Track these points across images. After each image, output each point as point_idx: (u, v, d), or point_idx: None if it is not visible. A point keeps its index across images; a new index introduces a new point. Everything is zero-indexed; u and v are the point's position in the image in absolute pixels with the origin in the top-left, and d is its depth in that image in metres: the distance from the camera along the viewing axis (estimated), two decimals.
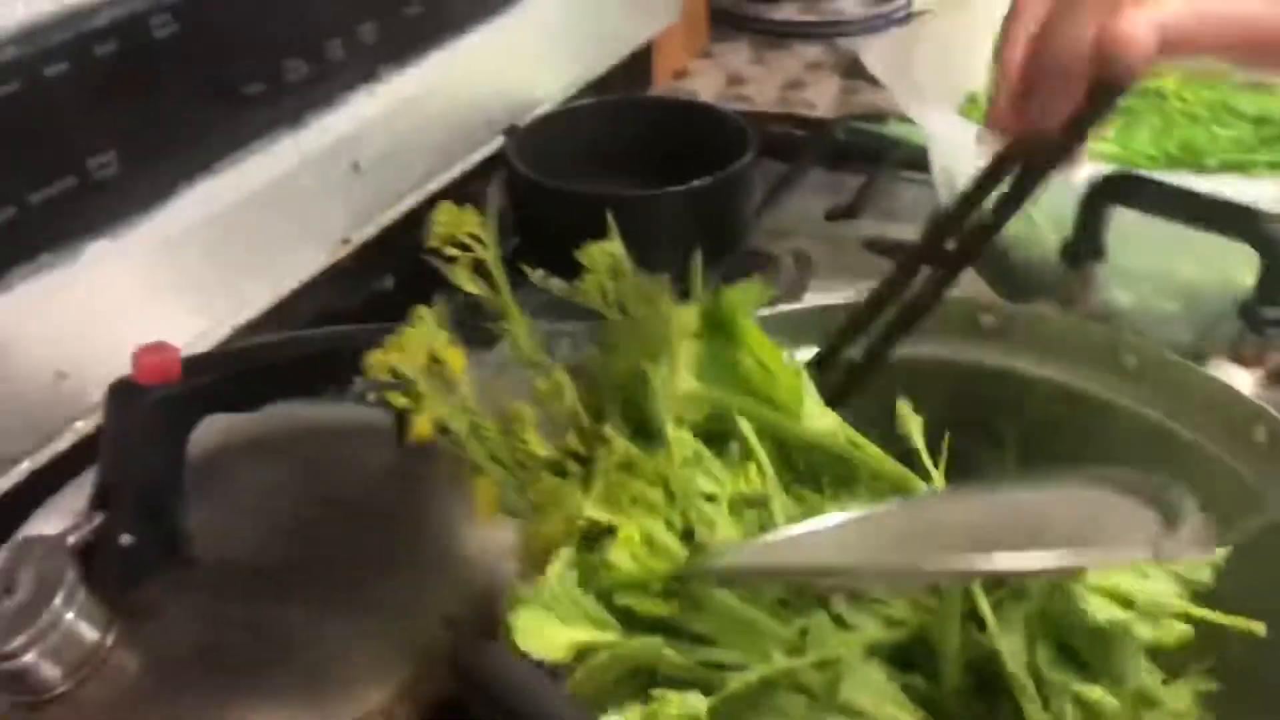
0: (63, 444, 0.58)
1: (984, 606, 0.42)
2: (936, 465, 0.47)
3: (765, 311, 0.53)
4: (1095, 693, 0.42)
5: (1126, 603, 0.43)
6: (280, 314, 0.71)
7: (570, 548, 0.40)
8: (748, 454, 0.46)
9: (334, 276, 0.76)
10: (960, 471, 0.52)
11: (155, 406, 0.45)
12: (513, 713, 0.32)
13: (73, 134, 0.57)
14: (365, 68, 0.74)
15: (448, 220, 0.45)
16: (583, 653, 0.37)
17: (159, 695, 0.44)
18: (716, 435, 0.47)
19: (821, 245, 0.94)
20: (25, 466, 0.56)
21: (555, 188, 0.81)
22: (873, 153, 1.03)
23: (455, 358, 0.42)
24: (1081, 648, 0.43)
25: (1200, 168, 0.72)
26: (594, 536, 0.41)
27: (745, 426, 0.46)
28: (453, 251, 0.45)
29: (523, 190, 0.84)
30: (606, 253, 0.46)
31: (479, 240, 0.46)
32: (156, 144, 0.61)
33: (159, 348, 0.45)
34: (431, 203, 0.83)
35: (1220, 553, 0.43)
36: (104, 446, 0.46)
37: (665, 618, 0.40)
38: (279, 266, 0.69)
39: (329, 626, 0.47)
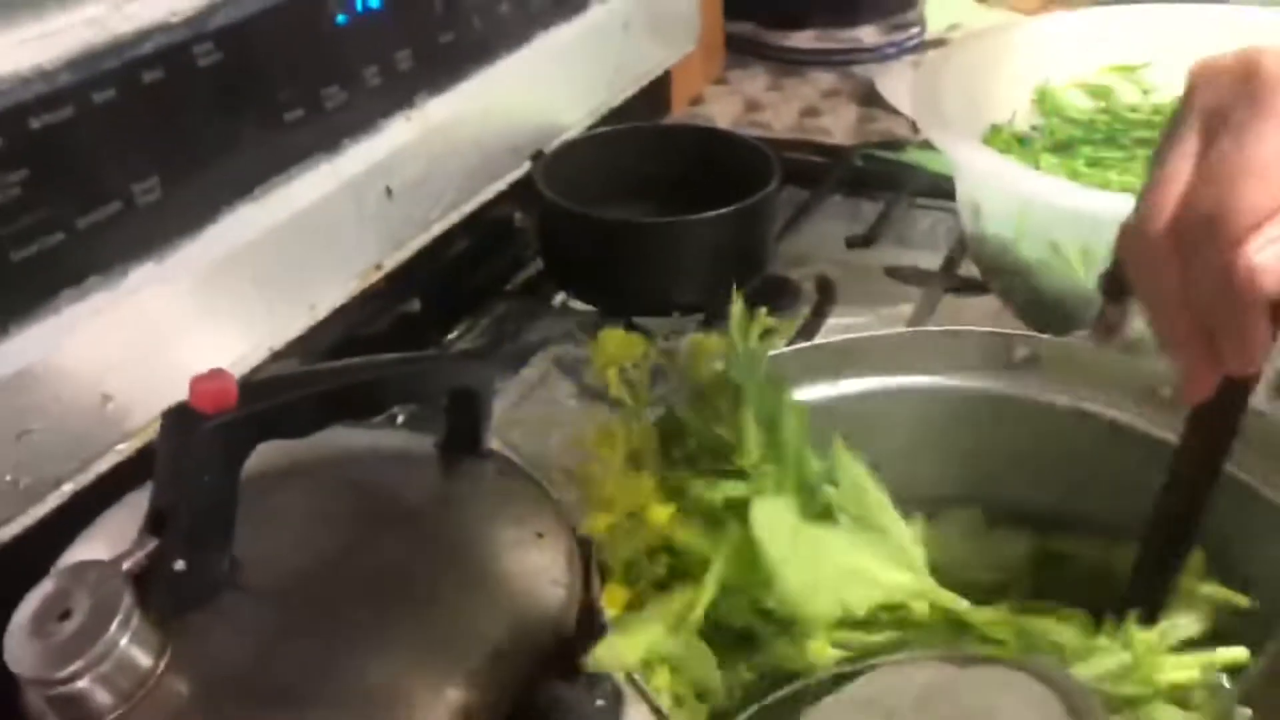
0: (105, 466, 0.58)
1: None
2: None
3: (810, 344, 0.53)
4: None
5: None
6: (311, 338, 0.72)
7: None
8: None
9: (362, 300, 0.76)
10: (998, 505, 0.53)
11: (211, 433, 0.45)
12: None
13: (119, 160, 0.58)
14: (401, 95, 0.75)
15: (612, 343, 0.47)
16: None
17: None
18: None
19: (841, 271, 0.95)
20: (68, 488, 0.57)
21: (582, 213, 0.82)
22: (890, 180, 1.04)
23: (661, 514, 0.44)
24: None
25: None
26: None
27: None
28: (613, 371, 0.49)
29: (549, 215, 0.85)
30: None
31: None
32: (199, 169, 0.62)
33: (215, 375, 0.45)
34: (458, 228, 0.84)
35: None
36: (159, 472, 0.46)
37: None
38: (315, 291, 0.70)
39: (376, 655, 0.47)
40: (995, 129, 0.85)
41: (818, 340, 0.55)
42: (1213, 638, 0.47)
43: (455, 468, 0.56)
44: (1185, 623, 0.47)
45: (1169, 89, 0.85)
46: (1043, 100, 0.88)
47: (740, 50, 1.26)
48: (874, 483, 0.49)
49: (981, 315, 0.85)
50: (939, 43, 1.24)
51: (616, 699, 0.38)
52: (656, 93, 1.09)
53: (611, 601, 0.42)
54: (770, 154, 0.88)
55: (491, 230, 0.90)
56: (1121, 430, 0.52)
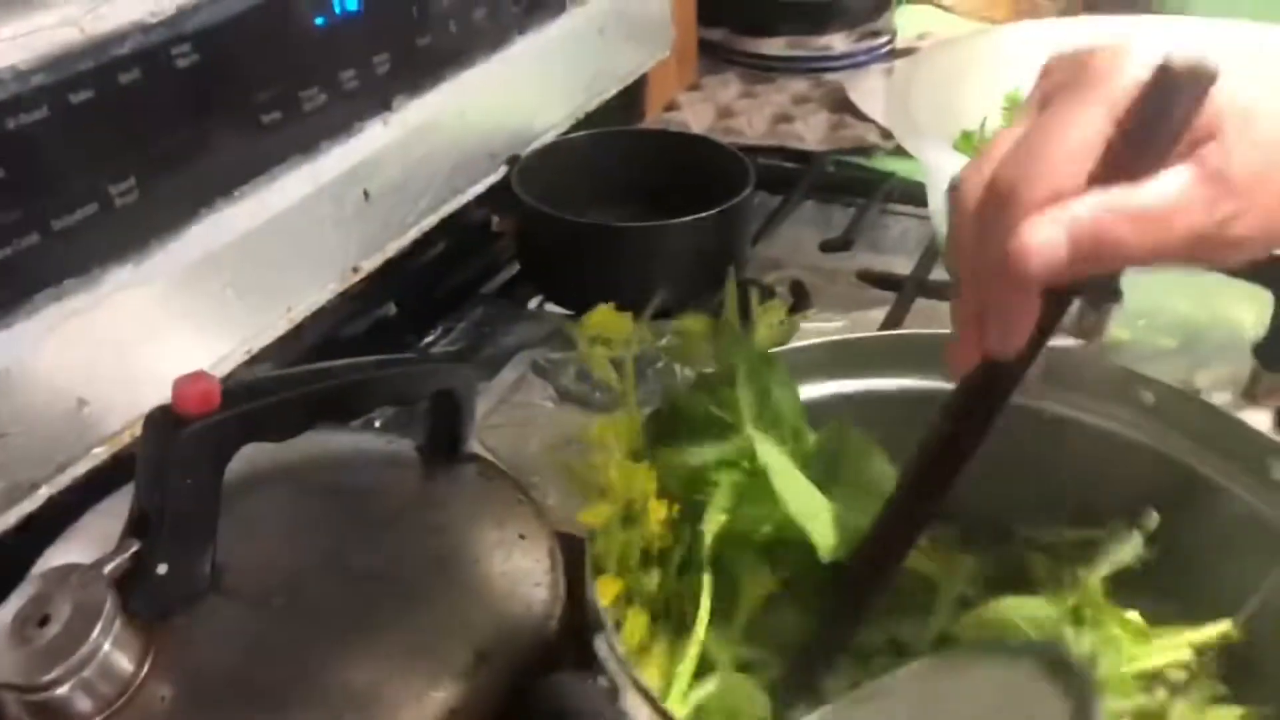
0: (81, 470, 0.58)
1: None
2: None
3: (792, 346, 0.54)
4: None
5: None
6: (289, 341, 0.71)
7: None
8: None
9: (339, 303, 0.76)
10: (984, 511, 0.54)
11: (193, 436, 0.45)
12: None
13: (95, 161, 0.58)
14: (378, 98, 0.74)
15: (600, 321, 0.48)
16: None
17: None
18: None
19: (814, 276, 0.96)
20: (44, 493, 0.56)
21: (559, 217, 0.82)
22: (862, 186, 1.05)
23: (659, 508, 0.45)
24: None
25: None
26: None
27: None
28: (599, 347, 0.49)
29: (526, 219, 0.85)
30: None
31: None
32: (176, 171, 0.62)
33: (198, 377, 0.45)
34: (434, 231, 0.84)
35: None
36: (141, 474, 0.46)
37: None
38: (293, 293, 0.69)
39: (360, 657, 0.47)
40: (966, 136, 0.86)
41: (796, 344, 0.55)
42: None
43: (437, 470, 0.56)
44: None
45: None
46: (1013, 108, 0.88)
47: (713, 56, 1.27)
48: (879, 453, 0.49)
49: None
50: (909, 51, 1.25)
51: (614, 687, 0.38)
52: (631, 98, 1.10)
53: (604, 594, 0.42)
54: (745, 159, 0.88)
55: (468, 234, 0.89)
56: (1102, 434, 0.52)
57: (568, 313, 0.87)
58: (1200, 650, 0.46)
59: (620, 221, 0.88)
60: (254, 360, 0.68)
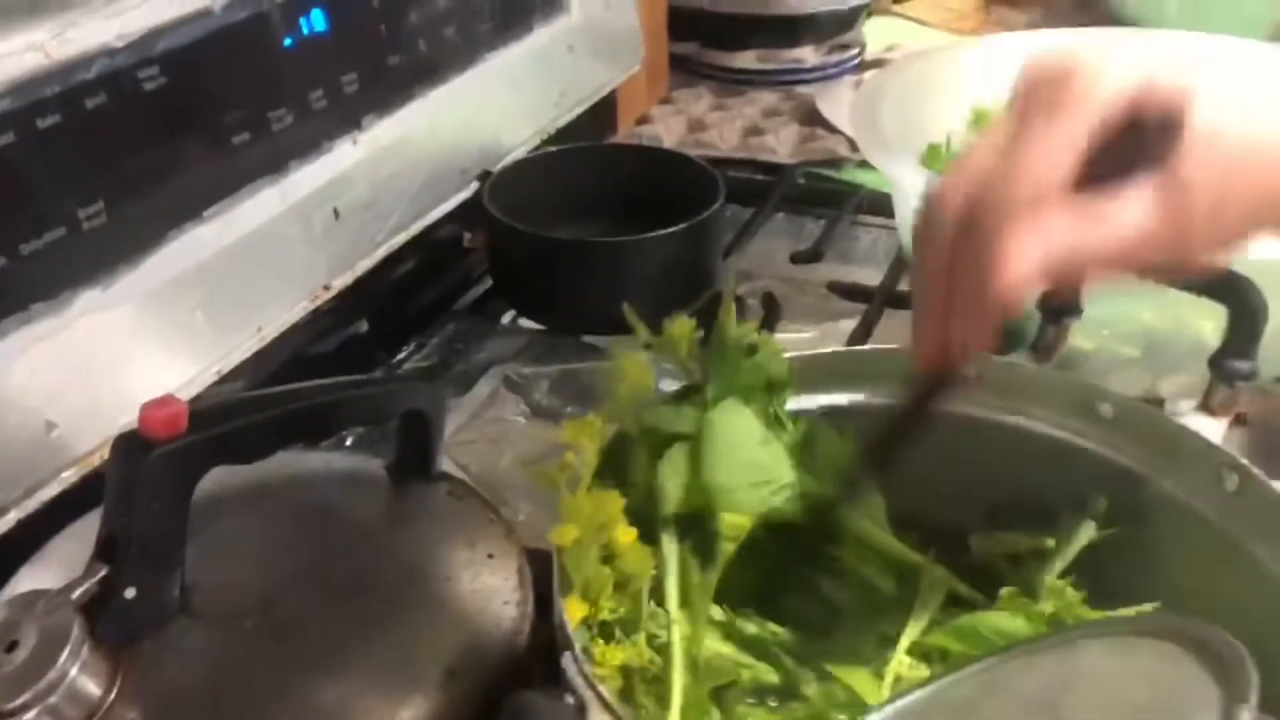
0: (50, 494, 0.58)
1: None
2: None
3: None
4: None
5: None
6: (259, 360, 0.71)
7: None
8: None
9: (310, 321, 0.76)
10: (939, 525, 0.54)
11: (160, 460, 0.45)
12: None
13: (63, 185, 0.58)
14: (347, 117, 0.75)
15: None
16: None
17: None
18: None
19: (785, 287, 0.97)
20: (13, 516, 0.56)
21: (530, 233, 0.82)
22: (832, 198, 1.06)
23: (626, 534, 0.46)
24: None
25: None
26: None
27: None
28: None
29: (497, 235, 0.85)
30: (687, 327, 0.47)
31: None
32: (145, 194, 0.62)
33: (165, 401, 0.45)
34: (405, 248, 0.84)
35: None
36: (109, 499, 0.46)
37: None
38: (263, 313, 0.70)
39: (331, 677, 0.47)
40: (933, 149, 0.87)
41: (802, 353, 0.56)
42: None
43: (406, 490, 0.56)
44: None
45: None
46: (978, 121, 0.89)
47: (684, 70, 1.28)
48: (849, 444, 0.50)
49: None
50: (878, 63, 1.26)
51: (581, 706, 0.38)
52: (602, 113, 1.10)
53: (572, 615, 0.43)
54: (715, 173, 0.89)
55: (439, 250, 0.90)
56: (1057, 446, 0.53)
57: (540, 328, 0.88)
58: None
59: (592, 236, 0.88)
60: (224, 380, 0.68)
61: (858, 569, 0.50)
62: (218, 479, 0.52)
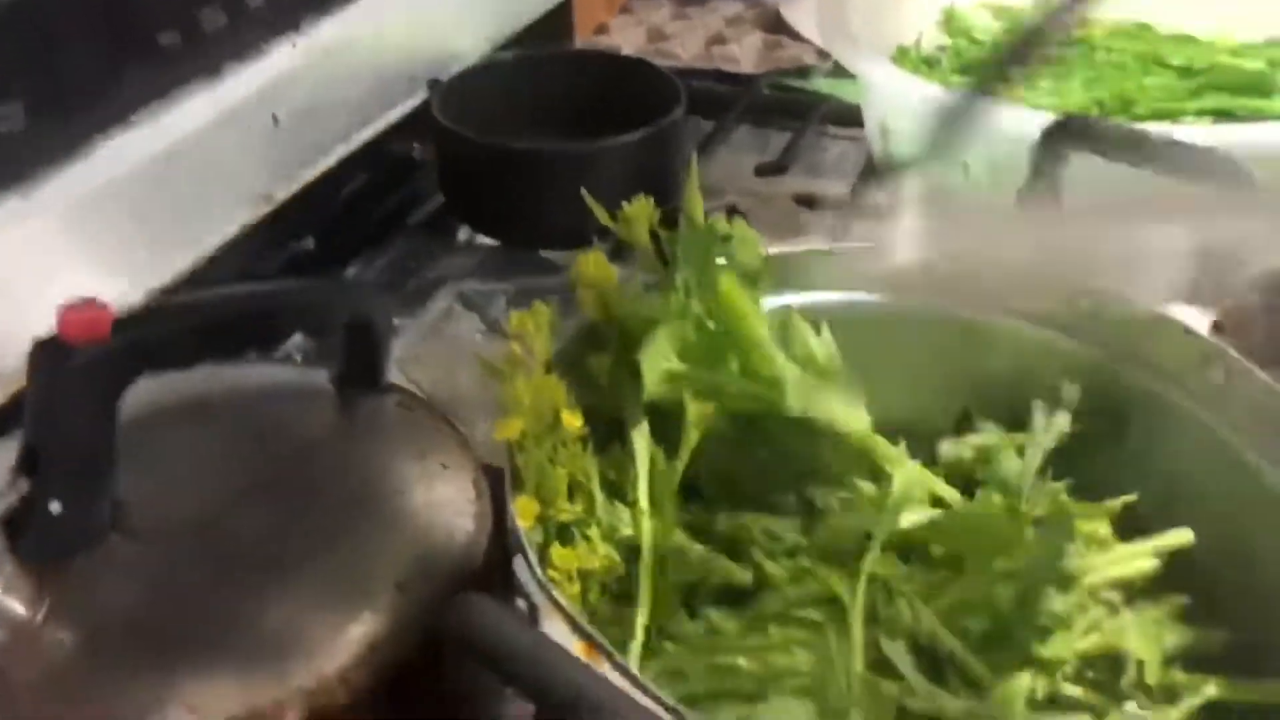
0: None
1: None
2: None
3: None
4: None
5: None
6: (198, 275, 0.68)
7: None
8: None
9: (253, 236, 0.73)
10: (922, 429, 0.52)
11: (84, 367, 0.42)
12: (501, 662, 0.31)
13: None
14: (285, 17, 0.71)
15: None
16: None
17: (96, 672, 0.42)
18: None
19: (751, 200, 0.94)
20: None
21: (483, 142, 0.79)
22: (798, 108, 1.02)
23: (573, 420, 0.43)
24: None
25: (1132, 116, 0.73)
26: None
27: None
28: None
29: (448, 145, 0.82)
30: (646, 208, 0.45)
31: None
32: (68, 96, 0.58)
33: (87, 304, 0.42)
34: (351, 159, 0.81)
35: None
36: (29, 409, 0.43)
37: None
38: (200, 224, 0.66)
39: (276, 595, 0.44)
40: (902, 51, 0.84)
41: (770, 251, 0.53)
42: None
43: (353, 402, 0.53)
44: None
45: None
46: (949, 22, 0.87)
47: None
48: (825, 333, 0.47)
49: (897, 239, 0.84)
50: None
51: (533, 610, 0.36)
52: (558, 21, 1.06)
53: (523, 514, 0.40)
54: (676, 80, 0.86)
55: (389, 163, 0.86)
56: (1040, 343, 0.51)
57: (496, 243, 0.84)
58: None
59: (550, 145, 0.85)
60: (166, 295, 0.65)
61: (833, 468, 0.47)
62: (154, 393, 0.49)
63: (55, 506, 0.42)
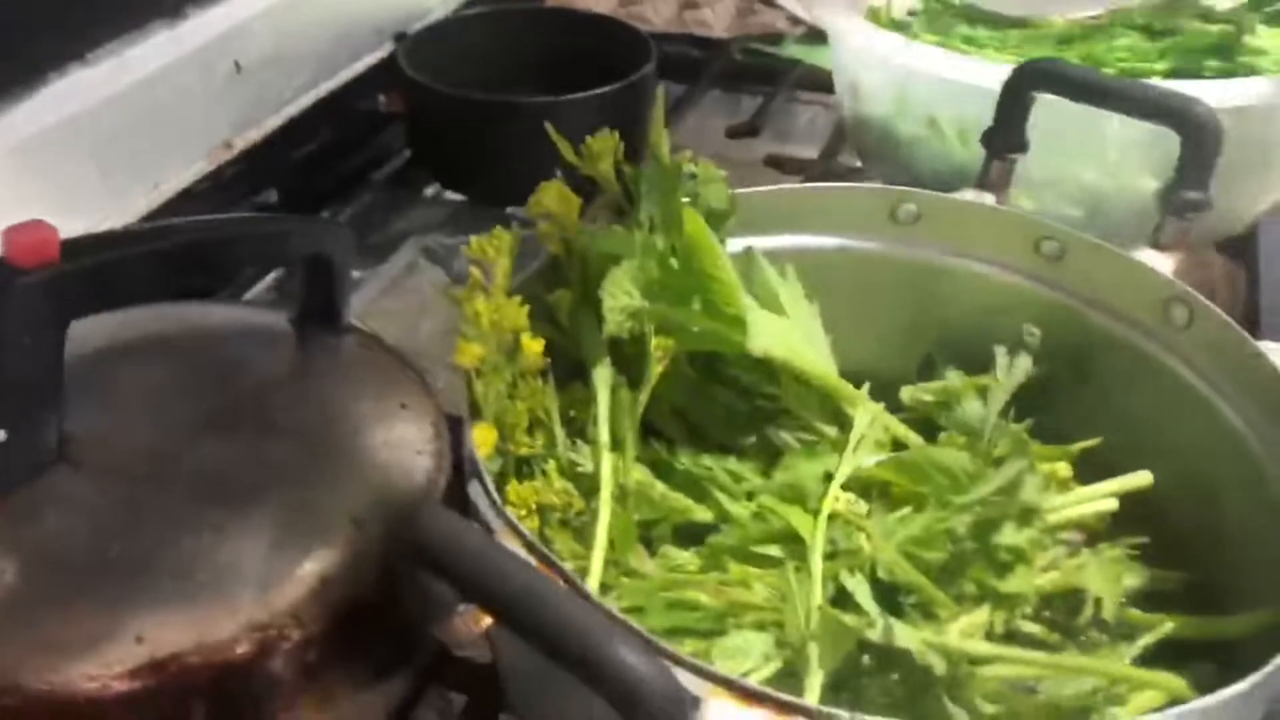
0: None
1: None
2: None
3: None
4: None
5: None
6: (156, 220, 0.67)
7: None
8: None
9: (216, 188, 0.72)
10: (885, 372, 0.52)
11: (30, 290, 0.41)
12: (458, 571, 0.30)
13: None
14: None
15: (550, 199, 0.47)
16: None
17: (43, 606, 0.41)
18: None
19: (722, 163, 0.93)
20: None
21: (453, 95, 0.78)
22: (769, 74, 1.02)
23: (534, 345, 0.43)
24: None
25: None
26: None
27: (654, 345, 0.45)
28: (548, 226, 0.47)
29: (415, 97, 0.81)
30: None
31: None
32: (19, 29, 0.57)
33: (34, 226, 0.41)
34: (316, 110, 0.79)
35: None
36: None
37: None
38: (158, 168, 0.65)
39: (230, 529, 0.44)
40: (874, 11, 0.83)
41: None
42: None
43: (313, 342, 0.53)
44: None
45: None
46: None
47: None
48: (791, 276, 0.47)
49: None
50: None
51: (489, 535, 0.36)
52: None
53: (481, 442, 0.40)
54: (647, 37, 0.85)
55: (355, 117, 0.85)
56: (1005, 288, 0.50)
57: (463, 199, 0.84)
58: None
59: (518, 99, 0.84)
60: None
61: (795, 410, 0.47)
62: (111, 330, 0.48)
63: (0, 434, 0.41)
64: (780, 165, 0.91)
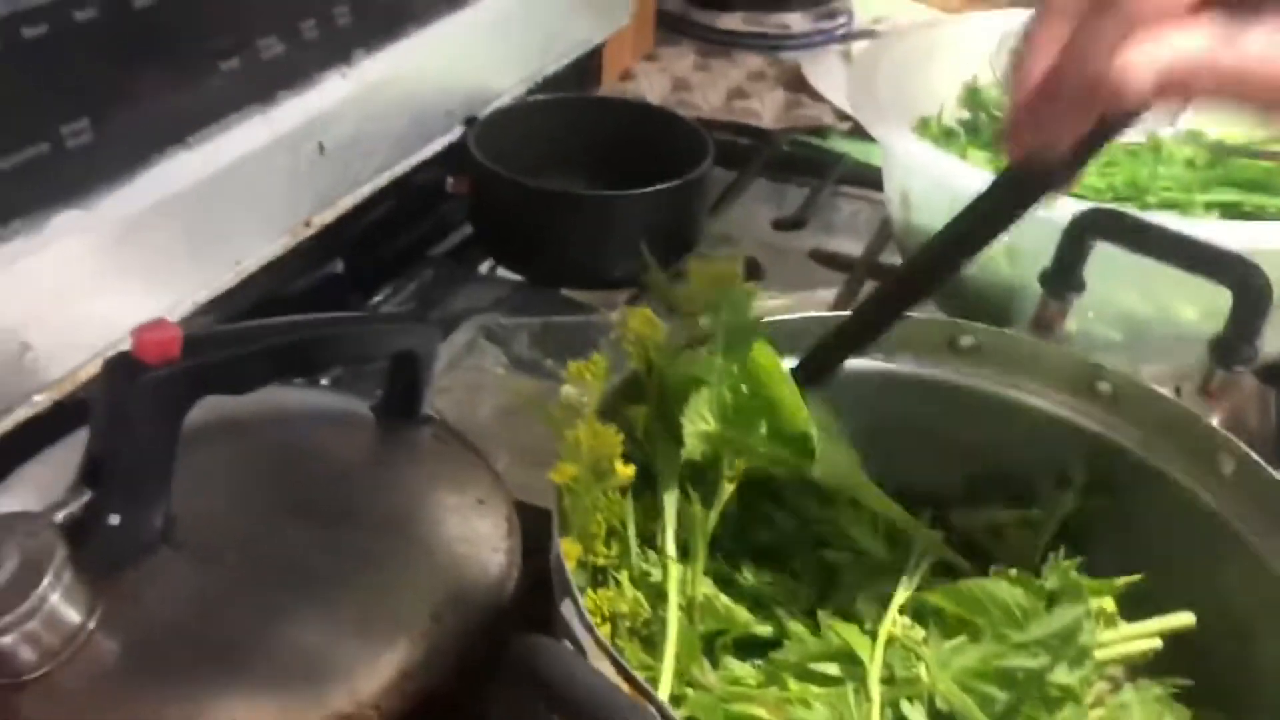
0: (21, 417, 0.56)
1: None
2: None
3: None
4: None
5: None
6: (233, 295, 0.70)
7: None
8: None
9: (285, 258, 0.74)
10: (933, 494, 0.54)
11: (152, 385, 0.43)
12: (567, 705, 0.32)
13: (48, 99, 0.56)
14: (337, 50, 0.73)
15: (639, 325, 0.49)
16: None
17: (140, 682, 0.43)
18: None
19: (766, 253, 0.96)
20: None
21: (518, 181, 0.81)
22: (816, 166, 1.05)
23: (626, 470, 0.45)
24: None
25: (1143, 205, 0.75)
26: None
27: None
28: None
29: (482, 181, 0.84)
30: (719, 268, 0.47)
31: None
32: (130, 114, 0.60)
33: (159, 325, 0.44)
34: (385, 189, 0.82)
35: None
36: (96, 421, 0.44)
37: None
38: (243, 245, 0.68)
39: (315, 617, 0.46)
40: (924, 121, 0.87)
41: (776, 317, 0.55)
42: None
43: (393, 432, 0.55)
44: None
45: None
46: (970, 97, 0.89)
47: (669, 27, 1.26)
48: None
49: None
50: (865, 33, 1.25)
51: (580, 652, 0.38)
52: (588, 65, 1.09)
53: (569, 555, 0.42)
54: (705, 133, 0.88)
55: (419, 193, 0.88)
56: (1056, 422, 0.53)
57: (519, 278, 0.86)
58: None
59: (574, 188, 0.87)
60: (199, 313, 0.67)
61: (850, 532, 0.49)
62: (200, 411, 0.50)
63: (114, 518, 0.44)
64: (826, 261, 0.94)
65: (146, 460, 0.44)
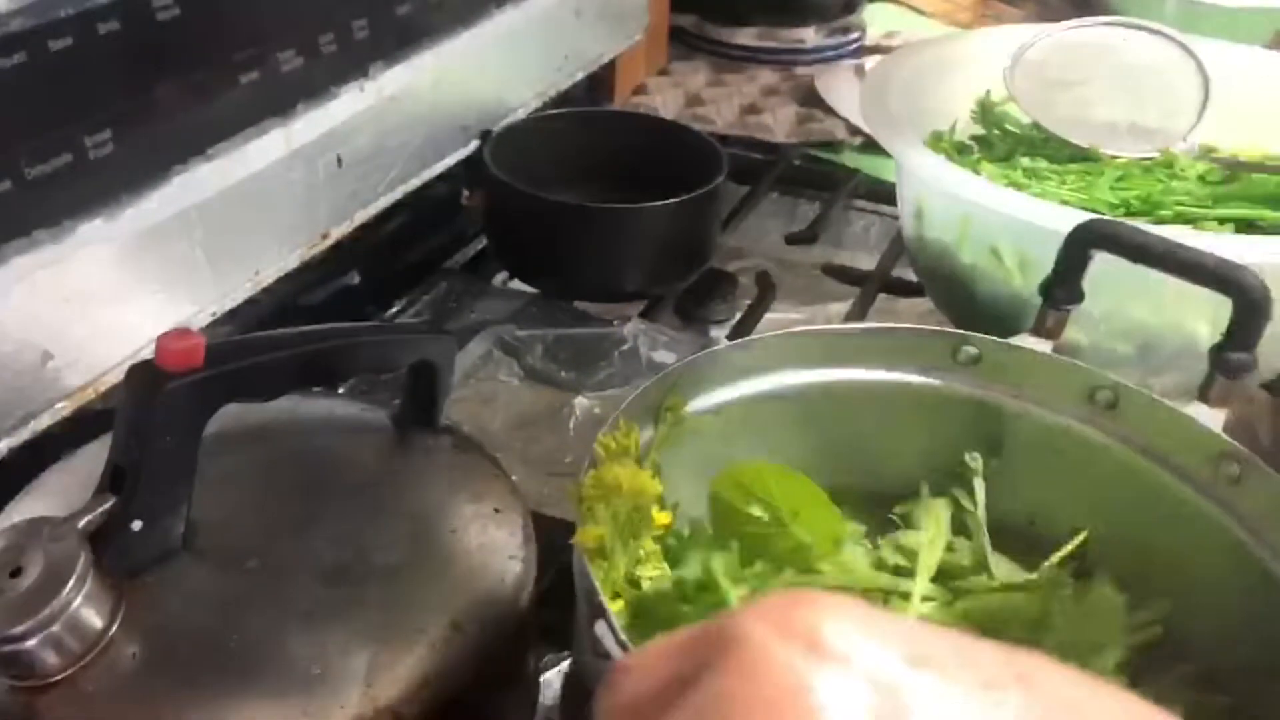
0: (43, 424, 0.57)
1: None
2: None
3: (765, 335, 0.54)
4: None
5: None
6: (250, 306, 0.70)
7: None
8: None
9: (301, 270, 0.75)
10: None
11: (175, 392, 0.44)
12: None
13: (72, 111, 0.56)
14: (355, 64, 0.74)
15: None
16: None
17: (161, 686, 0.44)
18: None
19: (778, 267, 0.97)
20: (5, 444, 0.55)
21: (533, 194, 0.82)
22: (827, 180, 1.06)
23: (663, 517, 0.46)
24: None
25: (1157, 219, 0.76)
26: None
27: None
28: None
29: (497, 195, 0.84)
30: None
31: None
32: (152, 126, 0.61)
33: (183, 334, 0.44)
34: (403, 202, 0.83)
35: None
36: (120, 429, 0.45)
37: None
38: (261, 256, 0.69)
39: (336, 624, 0.46)
40: (936, 136, 0.87)
41: (770, 333, 0.56)
42: None
43: (411, 440, 0.56)
44: None
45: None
46: (983, 112, 0.90)
47: (682, 43, 1.27)
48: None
49: (914, 316, 0.87)
50: (878, 49, 1.26)
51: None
52: (601, 80, 1.10)
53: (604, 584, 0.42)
54: (719, 147, 0.89)
55: (434, 206, 0.89)
56: (1055, 430, 0.53)
57: (533, 290, 0.87)
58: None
59: (589, 202, 0.88)
60: (217, 323, 0.67)
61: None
62: (221, 419, 0.51)
63: (137, 524, 0.44)
64: (839, 275, 0.94)
65: (168, 467, 0.45)
